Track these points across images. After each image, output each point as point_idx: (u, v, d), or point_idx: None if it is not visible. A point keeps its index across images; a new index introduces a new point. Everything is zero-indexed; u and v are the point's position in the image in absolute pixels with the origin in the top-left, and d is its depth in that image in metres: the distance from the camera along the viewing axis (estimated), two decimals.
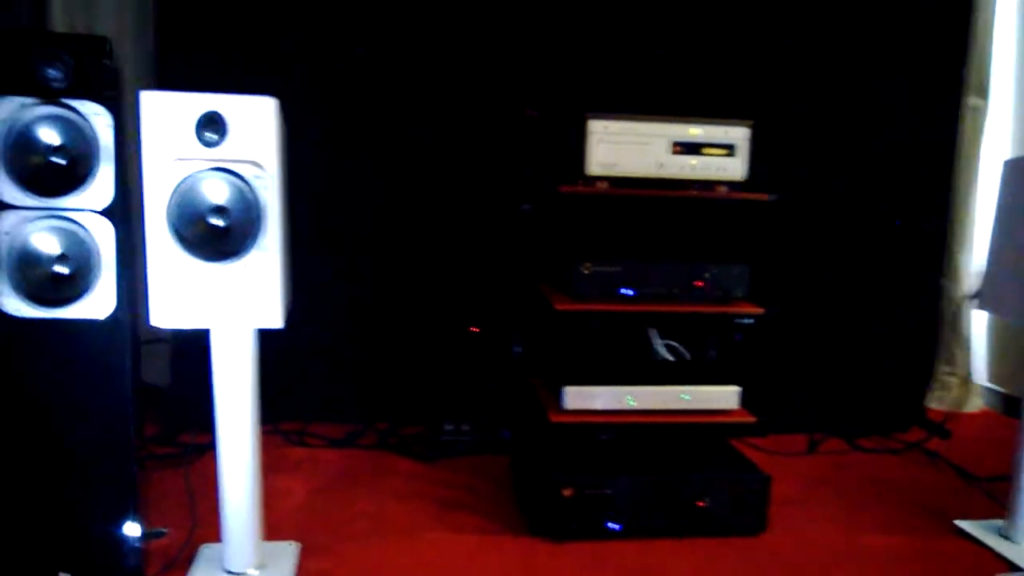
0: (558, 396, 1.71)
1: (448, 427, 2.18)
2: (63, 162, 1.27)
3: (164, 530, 1.53)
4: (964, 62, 2.50)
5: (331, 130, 2.26)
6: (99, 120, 1.29)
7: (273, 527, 1.67)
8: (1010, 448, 1.71)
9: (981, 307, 1.78)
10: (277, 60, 2.20)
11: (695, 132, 1.70)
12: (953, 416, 2.46)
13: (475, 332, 2.36)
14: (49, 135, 1.27)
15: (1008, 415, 2.72)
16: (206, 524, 1.62)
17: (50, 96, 1.27)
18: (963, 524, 1.80)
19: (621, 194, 1.68)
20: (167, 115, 1.24)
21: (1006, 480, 1.73)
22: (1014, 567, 1.61)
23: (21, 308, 1.30)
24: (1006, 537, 1.72)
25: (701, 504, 1.68)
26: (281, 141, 1.36)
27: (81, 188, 1.29)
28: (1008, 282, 1.68)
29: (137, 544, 1.41)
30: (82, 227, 1.31)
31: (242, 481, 1.42)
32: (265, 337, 1.40)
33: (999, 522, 1.76)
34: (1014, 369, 2.74)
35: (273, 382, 2.00)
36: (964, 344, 2.49)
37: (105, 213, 1.31)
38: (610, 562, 1.59)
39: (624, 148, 1.68)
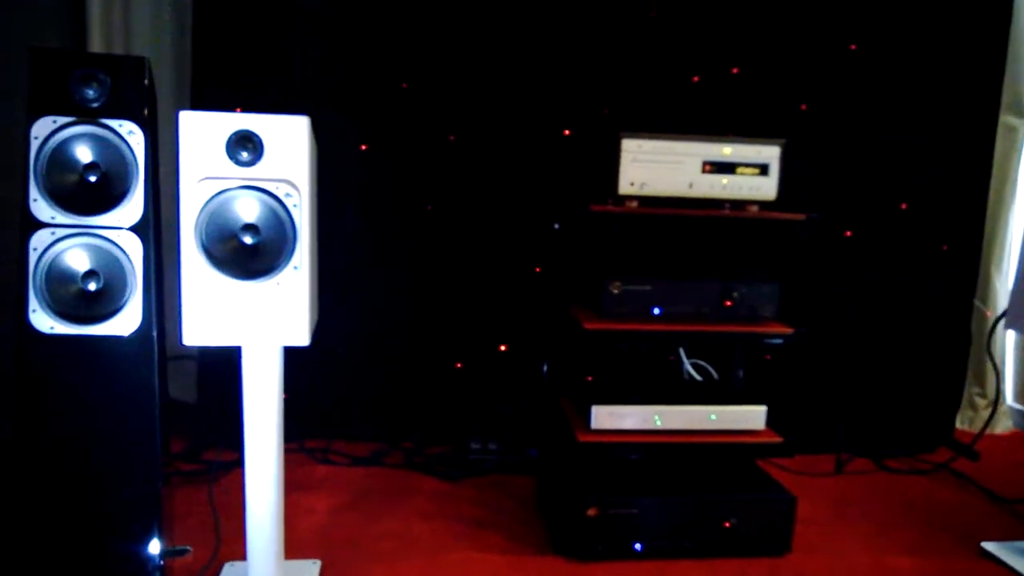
0: (586, 415, 1.70)
1: (475, 446, 2.17)
2: (95, 179, 1.28)
3: (188, 548, 1.53)
4: (1001, 81, 2.49)
5: (362, 150, 2.27)
6: (134, 139, 1.30)
7: (296, 545, 1.67)
8: None
9: (1008, 327, 1.76)
10: (309, 81, 2.22)
11: (728, 151, 1.69)
12: (982, 437, 2.43)
13: (503, 351, 2.35)
14: (84, 153, 1.29)
15: None
16: (230, 542, 1.62)
17: (86, 115, 1.28)
18: (989, 546, 1.78)
19: (651, 213, 1.67)
20: (204, 134, 1.25)
21: None
22: None
23: (52, 325, 1.30)
24: None
25: (727, 524, 1.67)
26: (313, 160, 1.36)
27: (116, 207, 1.30)
28: None
29: (160, 562, 1.41)
30: (115, 244, 1.31)
31: (267, 500, 1.42)
32: (291, 354, 1.40)
33: None
34: None
35: (298, 400, 2.02)
36: (994, 365, 2.46)
37: (135, 229, 1.32)
38: None
39: (656, 167, 1.67)
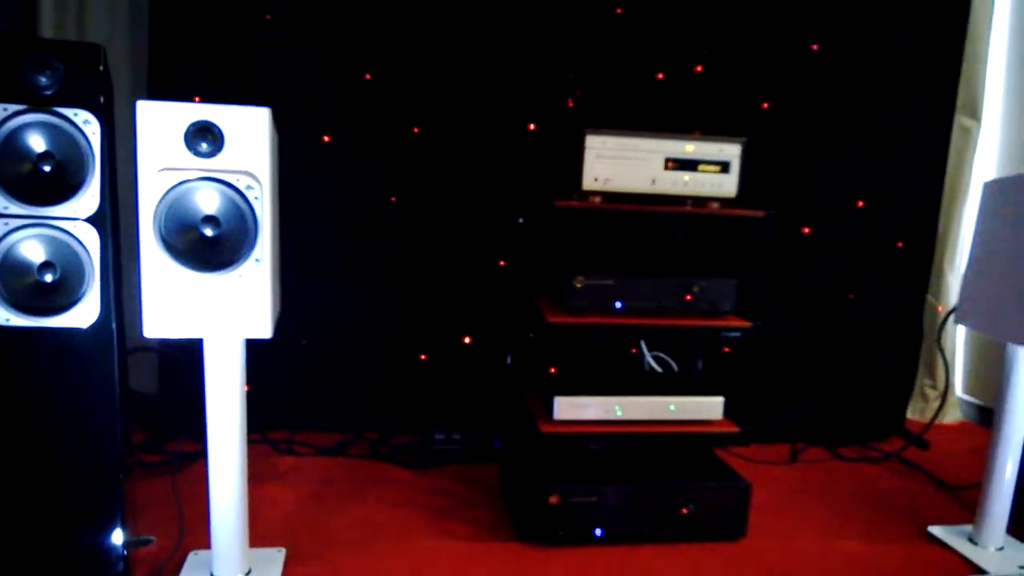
0: (549, 406, 1.72)
1: (439, 436, 2.18)
2: (50, 169, 1.26)
3: (151, 538, 1.53)
4: (957, 82, 2.54)
5: (324, 141, 2.25)
6: (89, 128, 1.28)
7: (261, 534, 1.67)
8: (983, 457, 1.75)
9: (958, 321, 1.82)
10: (271, 71, 2.19)
11: (690, 149, 1.71)
12: (932, 427, 2.50)
13: (467, 343, 2.36)
14: (37, 142, 1.26)
15: (984, 426, 2.77)
16: (194, 531, 1.62)
17: (39, 103, 1.26)
18: (935, 530, 1.84)
19: (615, 209, 1.69)
20: (162, 124, 1.23)
21: (978, 488, 1.78)
22: (979, 570, 1.66)
23: (8, 317, 1.29)
24: (974, 542, 1.78)
25: (685, 511, 1.71)
26: (274, 151, 1.36)
27: (72, 198, 1.28)
28: (983, 298, 1.72)
29: (123, 552, 1.40)
30: (71, 236, 1.30)
31: (230, 489, 1.42)
32: (254, 346, 1.40)
33: (969, 527, 1.82)
34: (989, 382, 2.80)
35: (262, 391, 2.01)
36: (944, 358, 2.54)
37: (91, 221, 1.30)
38: (596, 567, 1.61)
39: (619, 163, 1.69)
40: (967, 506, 2.02)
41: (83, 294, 1.31)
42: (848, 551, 1.75)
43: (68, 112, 1.27)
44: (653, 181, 1.71)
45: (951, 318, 1.87)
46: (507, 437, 2.03)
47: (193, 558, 1.54)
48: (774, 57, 2.36)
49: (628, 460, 1.83)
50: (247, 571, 1.49)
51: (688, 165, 1.72)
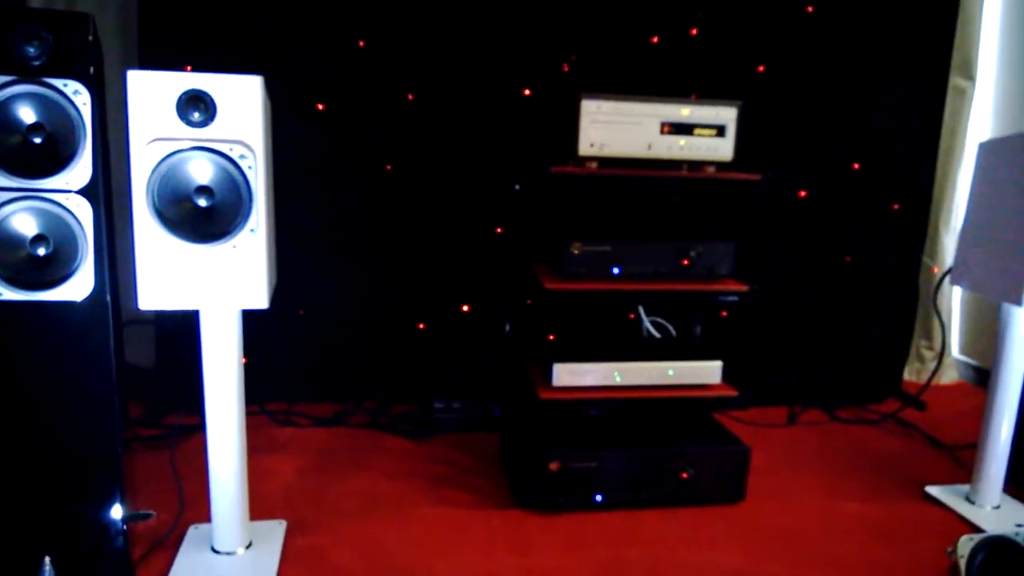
0: (547, 373, 1.73)
1: (438, 405, 2.19)
2: (40, 141, 1.24)
3: (151, 512, 1.53)
4: (951, 44, 2.53)
5: (319, 109, 2.23)
6: (80, 99, 1.26)
7: (261, 506, 1.68)
8: (979, 417, 1.77)
9: (953, 282, 1.83)
10: (262, 39, 2.15)
11: (685, 112, 1.70)
12: (928, 388, 2.52)
13: (466, 311, 2.36)
14: (27, 114, 1.24)
15: (980, 386, 2.80)
16: (194, 505, 1.63)
17: (28, 74, 1.24)
18: (932, 490, 1.87)
19: (611, 174, 1.68)
20: (153, 94, 1.22)
21: (974, 448, 1.80)
22: (976, 529, 1.68)
23: (1, 291, 1.28)
24: (971, 501, 1.80)
25: (684, 475, 1.72)
26: (267, 120, 1.34)
27: (63, 170, 1.26)
28: (978, 259, 1.73)
29: (123, 527, 1.41)
30: (64, 208, 1.28)
31: (229, 461, 1.43)
32: (251, 317, 1.40)
33: (966, 487, 1.84)
34: (985, 343, 2.81)
35: (259, 362, 2.01)
36: (940, 319, 2.55)
37: (83, 193, 1.28)
38: (596, 533, 1.63)
39: (615, 128, 1.67)
40: (964, 466, 2.04)
41: (77, 267, 1.29)
42: (847, 512, 1.77)
43: (58, 83, 1.25)
44: (649, 146, 1.70)
45: (947, 279, 1.88)
46: (506, 405, 2.04)
47: (193, 532, 1.55)
48: (769, 20, 2.34)
49: (627, 426, 1.84)
50: (248, 544, 1.50)
51: (684, 129, 1.71)
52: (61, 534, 1.39)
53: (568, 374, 1.72)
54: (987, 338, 2.77)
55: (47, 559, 1.31)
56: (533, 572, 1.47)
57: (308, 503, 1.72)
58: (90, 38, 1.28)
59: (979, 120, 2.76)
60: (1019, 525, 1.67)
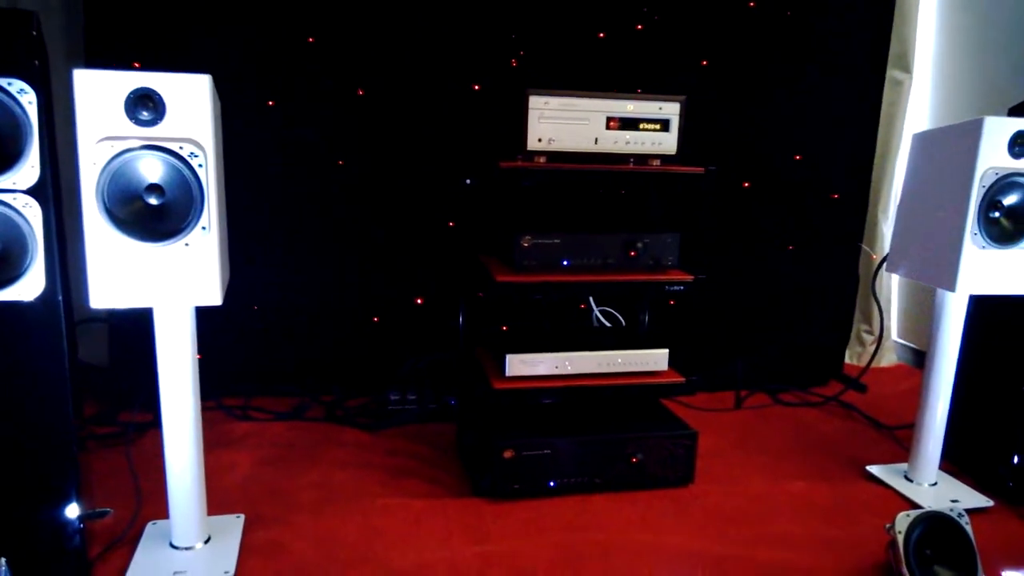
0: (501, 364, 1.76)
1: (394, 397, 2.21)
2: None
3: (108, 510, 1.53)
4: (889, 37, 2.61)
5: (269, 106, 2.23)
6: (25, 98, 1.25)
7: (220, 501, 1.69)
8: (918, 398, 1.84)
9: (889, 270, 1.90)
10: (211, 37, 2.14)
11: (631, 108, 1.73)
12: (869, 370, 2.62)
13: (420, 304, 2.38)
14: None
15: (918, 368, 2.91)
16: (151, 501, 1.63)
17: None
18: (873, 469, 1.94)
19: (559, 168, 1.72)
20: (101, 93, 1.21)
21: (912, 428, 1.87)
22: (915, 505, 1.76)
23: None
24: (909, 479, 1.87)
25: (635, 460, 1.77)
26: (217, 118, 1.35)
27: (10, 169, 1.26)
28: (912, 246, 1.80)
29: (79, 526, 1.41)
30: (11, 208, 1.27)
31: (186, 456, 1.43)
32: (205, 313, 1.40)
33: (904, 466, 1.92)
34: (922, 326, 2.93)
35: (215, 358, 2.01)
36: (879, 304, 2.65)
37: (32, 192, 1.28)
38: (551, 517, 1.67)
39: (562, 123, 1.71)
40: (903, 445, 2.12)
41: (27, 267, 1.29)
42: (791, 491, 1.83)
43: (2, 81, 1.24)
44: (596, 140, 1.73)
45: (884, 266, 1.95)
46: (461, 395, 2.07)
47: (151, 528, 1.56)
48: (712, 15, 2.39)
49: (579, 413, 1.89)
50: (206, 539, 1.51)
51: (629, 124, 1.74)
52: (17, 534, 1.38)
53: (521, 364, 1.76)
54: (924, 322, 2.88)
55: (2, 560, 1.30)
56: (490, 558, 1.51)
57: (266, 497, 1.74)
58: (35, 35, 1.27)
59: (916, 112, 2.86)
60: (954, 501, 1.76)
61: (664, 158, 1.79)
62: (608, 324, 2.22)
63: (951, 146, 1.67)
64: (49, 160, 1.29)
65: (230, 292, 1.43)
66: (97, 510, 1.49)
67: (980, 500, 1.78)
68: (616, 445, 1.77)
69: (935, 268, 1.69)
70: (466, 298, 1.96)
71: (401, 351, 2.38)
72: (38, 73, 1.26)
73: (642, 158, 1.78)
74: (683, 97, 1.77)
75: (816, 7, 2.47)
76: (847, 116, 2.58)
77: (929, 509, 1.48)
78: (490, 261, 1.89)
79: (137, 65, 2.04)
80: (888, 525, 1.47)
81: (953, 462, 1.96)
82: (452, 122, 2.31)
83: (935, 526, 1.45)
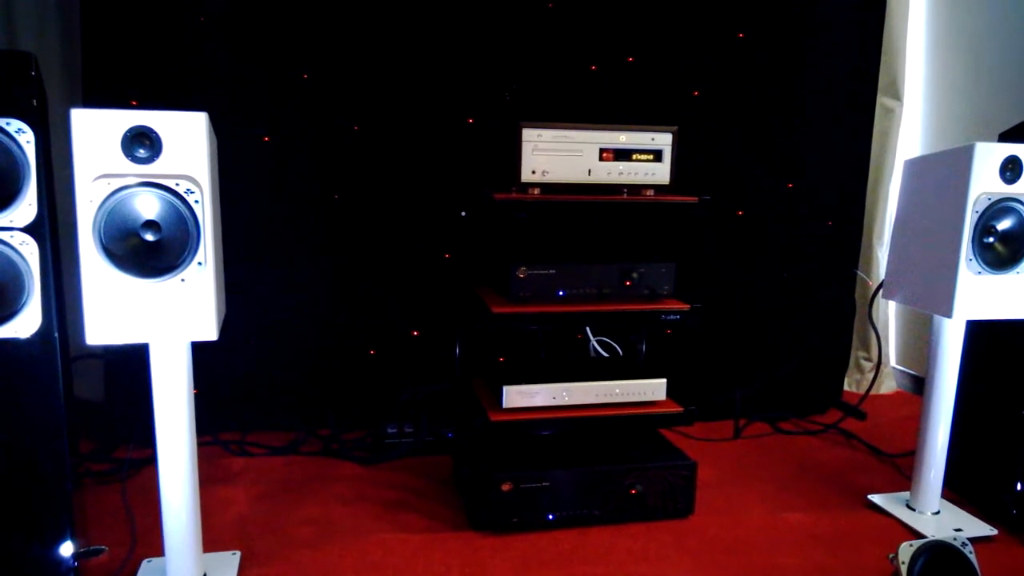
0: (498, 395, 1.76)
1: (391, 430, 2.20)
2: None
3: (103, 548, 1.52)
4: (878, 65, 2.64)
5: (264, 141, 2.25)
6: (23, 137, 1.27)
7: (216, 537, 1.67)
8: (918, 425, 1.82)
9: (885, 296, 1.90)
10: (207, 74, 2.17)
11: (623, 139, 1.76)
12: (868, 398, 2.61)
13: (416, 336, 2.38)
14: None
15: (917, 394, 2.90)
16: (147, 539, 1.62)
17: None
18: (875, 498, 1.92)
19: (553, 200, 1.73)
20: (98, 131, 1.23)
21: (913, 455, 1.85)
22: (918, 535, 1.74)
23: None
24: (911, 508, 1.85)
25: (633, 492, 1.76)
26: (213, 154, 1.36)
27: (8, 208, 1.27)
28: (908, 272, 1.80)
29: (74, 564, 1.40)
30: (9, 246, 1.28)
31: (181, 493, 1.42)
32: (201, 348, 1.41)
33: (906, 494, 1.90)
34: (920, 352, 2.93)
35: (211, 393, 2.00)
36: (877, 330, 2.65)
37: (29, 230, 1.29)
38: (549, 551, 1.65)
39: (556, 155, 1.72)
40: (904, 474, 2.10)
41: (23, 304, 1.30)
42: (792, 522, 1.82)
43: (1, 122, 1.26)
44: (589, 171, 1.75)
45: (880, 292, 1.96)
46: (458, 428, 2.06)
47: (146, 566, 1.54)
48: (703, 46, 2.43)
49: (577, 444, 1.88)
50: None
51: (622, 155, 1.76)
52: (11, 572, 1.38)
53: (518, 395, 1.76)
54: (922, 348, 2.88)
55: None
56: None
57: (262, 533, 1.72)
58: (32, 75, 1.29)
59: (908, 139, 2.88)
60: (957, 529, 1.74)
61: (658, 188, 1.80)
62: (605, 354, 2.22)
63: (943, 172, 1.68)
64: (46, 198, 1.30)
65: (225, 326, 1.43)
66: (92, 548, 1.48)
67: (984, 529, 1.76)
68: (615, 477, 1.76)
69: (931, 294, 1.69)
70: (462, 330, 1.96)
71: (398, 383, 2.38)
72: (36, 113, 1.29)
73: (636, 188, 1.80)
74: (675, 127, 1.79)
75: (805, 37, 2.50)
76: (839, 144, 2.60)
77: (932, 538, 1.47)
78: (486, 292, 1.89)
79: (134, 103, 2.07)
80: (891, 555, 1.46)
81: (955, 490, 1.95)
82: (447, 155, 2.33)
83: (939, 556, 1.44)
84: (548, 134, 1.71)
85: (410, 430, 2.20)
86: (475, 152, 2.32)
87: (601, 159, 1.75)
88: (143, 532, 1.64)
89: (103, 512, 1.77)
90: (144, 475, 1.98)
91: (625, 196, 1.78)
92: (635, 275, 1.79)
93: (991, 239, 1.62)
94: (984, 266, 1.61)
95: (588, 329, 2.15)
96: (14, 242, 1.28)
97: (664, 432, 2.03)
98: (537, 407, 1.77)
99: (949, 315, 1.63)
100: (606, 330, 2.21)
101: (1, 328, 1.29)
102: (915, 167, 1.80)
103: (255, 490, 1.95)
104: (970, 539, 1.47)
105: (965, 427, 1.91)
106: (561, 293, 1.77)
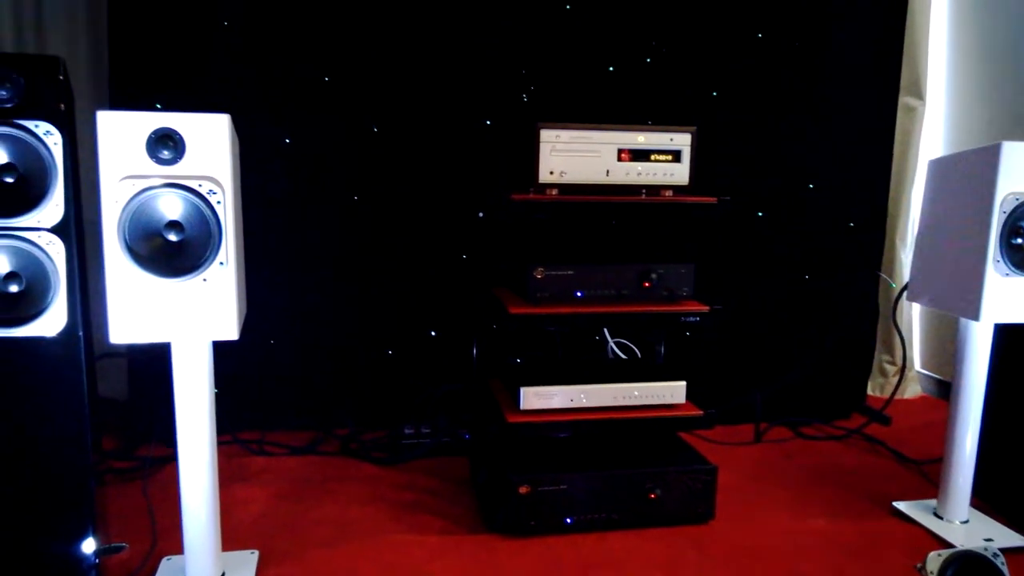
0: (515, 397, 1.76)
1: (408, 431, 2.20)
2: (12, 181, 1.27)
3: (124, 545, 1.54)
4: (900, 65, 2.61)
5: (286, 143, 2.27)
6: (51, 139, 1.29)
7: (234, 536, 1.69)
8: (944, 431, 1.79)
9: (910, 298, 1.88)
10: (230, 77, 2.20)
11: (642, 139, 1.75)
12: (892, 402, 2.57)
13: (433, 336, 2.38)
14: None
15: (943, 399, 2.85)
16: (167, 536, 1.63)
17: (0, 116, 1.27)
18: (900, 505, 1.89)
19: (571, 200, 1.73)
20: (123, 133, 1.25)
21: (940, 462, 1.82)
22: (946, 544, 1.70)
23: None
24: (939, 516, 1.82)
25: (653, 496, 1.75)
26: (235, 155, 1.37)
27: (35, 208, 1.29)
28: (933, 274, 1.77)
29: (95, 561, 1.41)
30: (36, 246, 1.31)
31: (201, 492, 1.43)
32: (222, 347, 1.42)
33: (933, 502, 1.86)
34: (946, 356, 2.88)
35: (231, 392, 2.02)
36: (901, 333, 2.61)
37: (55, 230, 1.31)
38: (567, 555, 1.64)
39: (574, 156, 1.72)
40: (931, 481, 2.06)
41: (49, 303, 1.32)
42: (815, 529, 1.79)
43: (29, 124, 1.28)
44: (607, 172, 1.75)
45: (904, 295, 1.93)
46: (475, 429, 2.06)
47: (166, 564, 1.55)
48: (721, 46, 2.42)
49: (595, 447, 1.87)
50: (220, 575, 1.50)
51: (641, 155, 1.76)
52: (33, 568, 1.39)
53: (535, 397, 1.75)
54: (947, 351, 2.83)
55: None
56: None
57: (280, 532, 1.73)
58: (61, 79, 1.31)
59: (931, 138, 2.85)
60: (987, 539, 1.69)
61: (676, 188, 1.79)
62: (623, 356, 2.21)
63: (968, 172, 1.65)
64: (73, 198, 1.32)
65: (246, 326, 1.44)
66: (113, 545, 1.50)
67: (1015, 539, 1.72)
68: (634, 480, 1.74)
69: (958, 297, 1.66)
70: (480, 330, 1.96)
71: (415, 384, 2.39)
72: (63, 116, 1.31)
73: (654, 189, 1.79)
74: (694, 127, 1.78)
75: (825, 36, 2.48)
76: (860, 143, 2.57)
77: (962, 548, 1.43)
78: (503, 293, 1.89)
79: (159, 106, 2.10)
80: (919, 565, 1.43)
81: (983, 498, 1.90)
82: (465, 156, 2.34)
83: (969, 566, 1.40)
84: (566, 135, 1.71)
85: (427, 431, 2.21)
86: (493, 153, 2.33)
87: (619, 160, 1.74)
88: (163, 530, 1.66)
89: (124, 509, 1.79)
90: (165, 472, 2.00)
91: (644, 197, 1.78)
92: (654, 276, 1.78)
93: (1019, 240, 1.59)
94: (1012, 268, 1.58)
95: (606, 330, 2.14)
96: (41, 242, 1.31)
97: (683, 436, 2.01)
98: (555, 409, 1.76)
99: (976, 318, 1.60)
100: (624, 332, 2.20)
101: (27, 327, 1.31)
102: (940, 167, 1.78)
103: (274, 489, 1.96)
104: (1001, 550, 1.43)
105: (993, 433, 1.87)
106: (579, 294, 1.77)
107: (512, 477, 1.69)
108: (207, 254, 1.30)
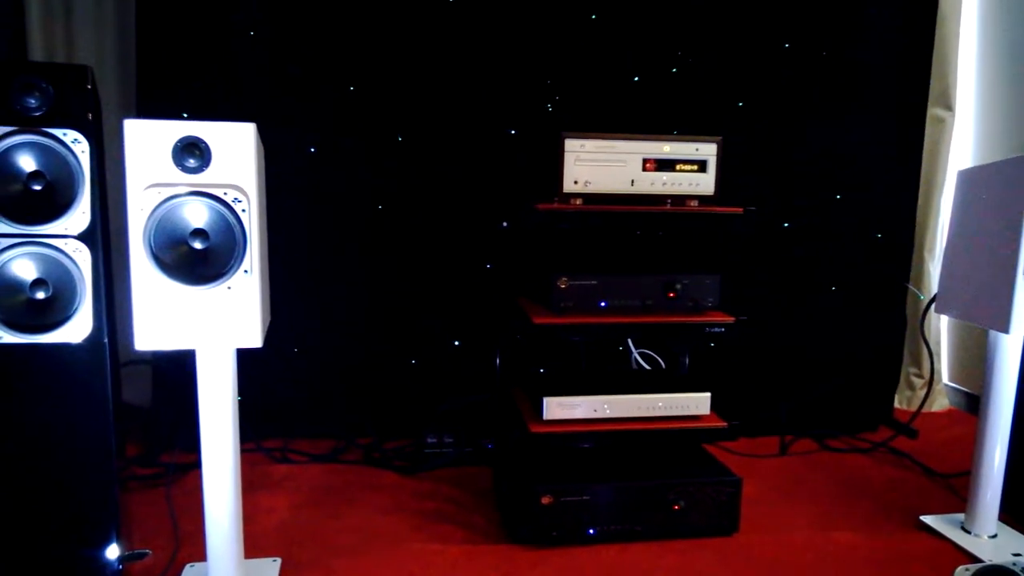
0: (538, 407, 1.75)
1: (431, 440, 2.20)
2: (40, 188, 1.29)
3: (147, 552, 1.54)
4: (928, 75, 2.58)
5: (311, 152, 2.28)
6: (79, 147, 1.31)
7: (257, 544, 1.69)
8: (972, 445, 1.77)
9: (938, 310, 1.85)
10: (257, 86, 2.22)
11: (667, 149, 1.74)
12: (919, 415, 2.53)
13: (457, 346, 2.38)
14: (27, 162, 1.29)
15: (971, 412, 2.81)
16: (190, 543, 1.64)
17: (29, 124, 1.28)
18: (928, 519, 1.86)
19: (595, 210, 1.72)
20: (150, 142, 1.26)
21: (968, 476, 1.79)
22: (974, 559, 1.68)
23: (1, 335, 1.30)
24: (967, 530, 1.79)
25: (676, 507, 1.73)
26: (260, 164, 1.38)
27: (62, 215, 1.30)
28: (962, 286, 1.75)
29: (119, 567, 1.42)
30: (63, 253, 1.32)
31: (224, 499, 1.44)
32: (246, 355, 1.42)
33: (961, 516, 1.83)
34: (974, 369, 2.83)
35: (255, 400, 2.03)
36: (929, 346, 2.57)
37: (82, 238, 1.33)
38: (589, 566, 1.63)
39: (599, 166, 1.72)
40: (958, 494, 2.03)
41: (75, 310, 1.33)
42: (841, 543, 1.77)
43: (57, 132, 1.30)
44: (632, 182, 1.74)
45: (932, 307, 1.90)
46: (498, 439, 2.05)
47: (189, 571, 1.56)
48: (747, 56, 2.40)
49: (618, 458, 1.86)
50: None
51: (666, 165, 1.75)
52: (58, 574, 1.40)
53: (558, 407, 1.74)
54: (976, 364, 2.79)
55: None
56: None
57: (303, 540, 1.73)
58: (88, 88, 1.33)
59: (960, 149, 2.81)
60: (1016, 555, 1.67)
61: (702, 199, 1.78)
62: (647, 366, 2.19)
63: (998, 183, 1.64)
64: (99, 206, 1.33)
65: (270, 334, 1.45)
66: (136, 551, 1.50)
67: None
68: (657, 492, 1.73)
69: (987, 309, 1.64)
70: (504, 340, 1.96)
71: (438, 393, 2.39)
72: (91, 124, 1.32)
73: (679, 199, 1.78)
74: (719, 138, 1.77)
75: (852, 46, 2.46)
76: (888, 155, 2.54)
77: (990, 563, 1.41)
78: (527, 303, 1.89)
79: (185, 115, 2.12)
80: None
81: (1012, 513, 1.87)
82: (489, 166, 2.34)
83: None
84: (591, 144, 1.70)
85: (450, 440, 2.20)
86: (517, 163, 2.33)
87: (644, 169, 1.74)
88: (186, 536, 1.66)
89: (148, 515, 1.80)
90: (189, 479, 2.01)
91: (669, 207, 1.77)
92: (679, 286, 1.77)
93: None
94: None
95: (630, 341, 2.13)
96: (68, 249, 1.32)
97: (707, 447, 1.99)
98: (578, 419, 1.75)
99: (1006, 330, 1.58)
100: (648, 342, 2.19)
101: (54, 333, 1.32)
102: (969, 178, 1.76)
103: (296, 497, 1.97)
104: None
105: (1022, 447, 1.84)
106: (603, 304, 1.76)
107: (535, 487, 1.68)
108: (232, 262, 1.30)
